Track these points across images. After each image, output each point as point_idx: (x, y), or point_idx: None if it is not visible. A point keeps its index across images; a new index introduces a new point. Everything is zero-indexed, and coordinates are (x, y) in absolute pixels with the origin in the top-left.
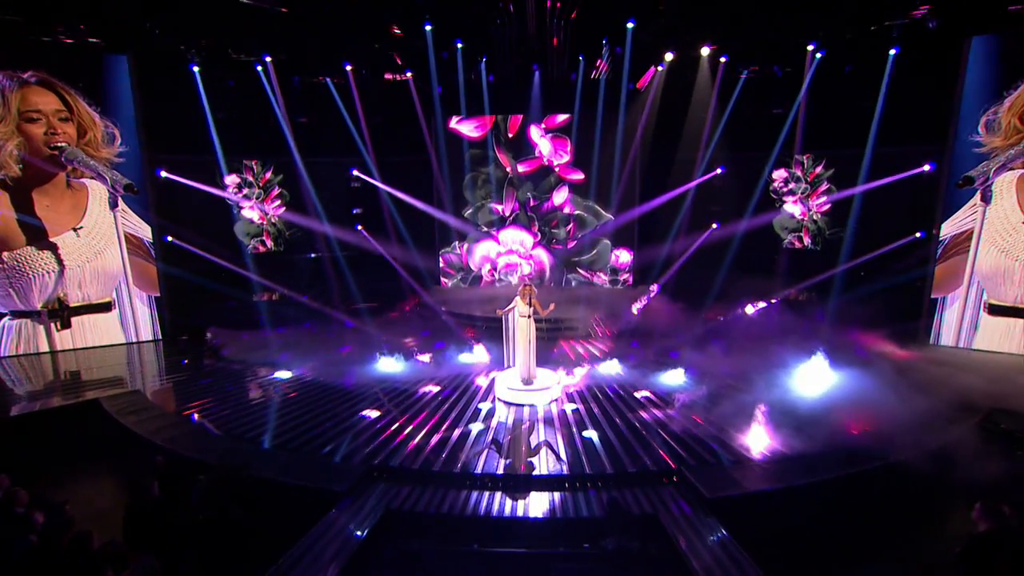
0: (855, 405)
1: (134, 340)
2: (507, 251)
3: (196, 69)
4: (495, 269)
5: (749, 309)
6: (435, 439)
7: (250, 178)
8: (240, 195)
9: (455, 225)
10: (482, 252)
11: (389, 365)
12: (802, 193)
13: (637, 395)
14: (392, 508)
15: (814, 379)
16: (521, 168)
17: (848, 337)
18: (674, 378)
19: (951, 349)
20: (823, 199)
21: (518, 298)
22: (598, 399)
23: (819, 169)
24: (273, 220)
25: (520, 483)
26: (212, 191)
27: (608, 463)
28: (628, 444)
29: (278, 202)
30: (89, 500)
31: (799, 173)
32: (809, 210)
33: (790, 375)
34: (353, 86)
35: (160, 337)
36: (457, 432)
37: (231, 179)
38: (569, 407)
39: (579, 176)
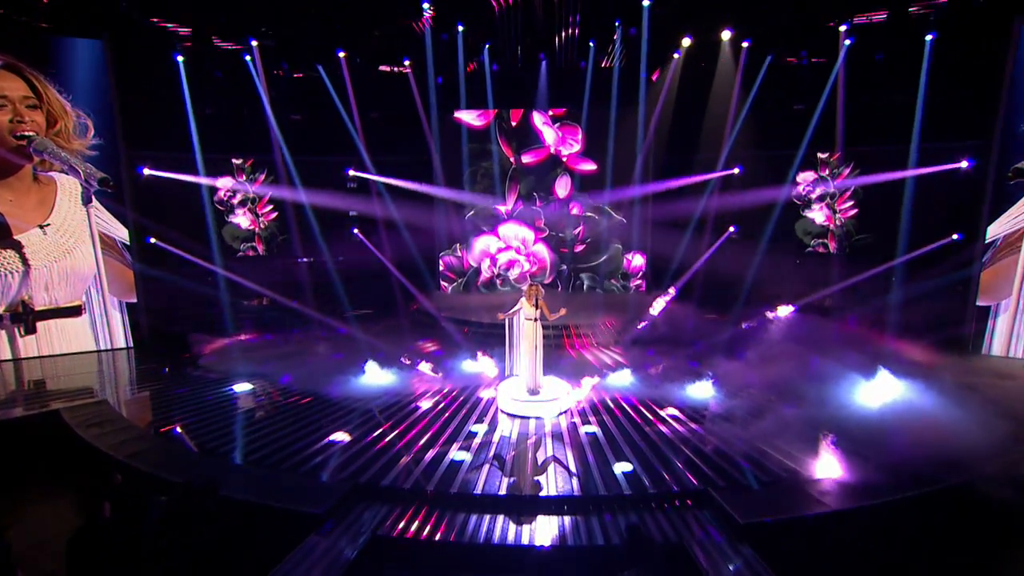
0: (911, 420)
1: (106, 347)
2: (507, 247)
3: (180, 59)
4: (495, 264)
5: (782, 311)
6: (430, 455)
7: (242, 180)
8: (235, 200)
9: (456, 226)
10: (481, 247)
11: (381, 375)
12: (830, 198)
13: (658, 408)
14: (379, 534)
15: (859, 391)
16: (526, 159)
17: (887, 345)
18: (700, 390)
19: (1003, 360)
20: (849, 203)
21: (523, 299)
22: (612, 412)
23: (847, 172)
24: (264, 224)
25: (525, 505)
26: (196, 180)
27: (626, 483)
28: (648, 462)
29: (271, 206)
30: (35, 524)
31: (826, 175)
32: (835, 215)
33: (831, 386)
34: (347, 76)
35: (134, 344)
36: (455, 448)
37: (224, 182)
38: (586, 428)
39: (591, 166)
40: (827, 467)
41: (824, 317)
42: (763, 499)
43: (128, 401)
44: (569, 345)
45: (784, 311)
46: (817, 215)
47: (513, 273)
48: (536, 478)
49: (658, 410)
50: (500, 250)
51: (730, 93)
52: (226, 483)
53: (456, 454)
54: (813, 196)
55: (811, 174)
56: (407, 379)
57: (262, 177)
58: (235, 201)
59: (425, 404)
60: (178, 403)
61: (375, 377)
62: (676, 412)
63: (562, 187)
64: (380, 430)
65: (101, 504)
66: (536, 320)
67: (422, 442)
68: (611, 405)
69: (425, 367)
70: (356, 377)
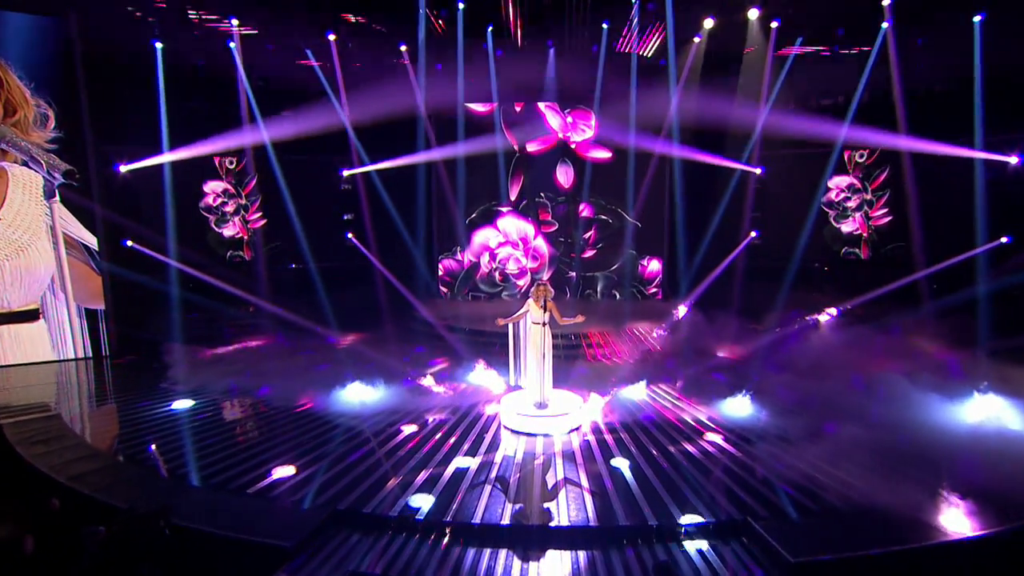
0: (1003, 442)
1: (68, 357)
2: (506, 241)
3: (159, 45)
4: (494, 260)
5: (823, 316)
6: (422, 477)
7: (230, 186)
8: (229, 208)
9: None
10: (481, 240)
11: (368, 391)
12: (867, 206)
13: (685, 425)
14: (359, 572)
15: (931, 408)
16: (531, 147)
17: (945, 356)
18: (736, 405)
19: None
20: (883, 210)
21: (531, 301)
22: (632, 431)
23: (883, 176)
24: (251, 231)
25: (533, 537)
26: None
27: (651, 511)
28: (675, 488)
29: (260, 213)
30: None
31: (858, 183)
32: (868, 221)
33: (894, 403)
34: (337, 65)
35: (105, 353)
36: (450, 469)
37: (213, 187)
38: (617, 461)
39: (605, 154)
40: (898, 497)
41: (863, 326)
42: (817, 533)
43: (88, 415)
44: (590, 356)
45: (826, 316)
46: (849, 226)
47: (511, 268)
48: (545, 505)
49: (693, 429)
50: (500, 244)
51: (758, 82)
52: (179, 510)
53: (451, 476)
54: (850, 206)
55: (844, 178)
56: (398, 394)
57: (253, 182)
58: (228, 209)
59: (417, 421)
60: (144, 419)
61: (362, 393)
62: (713, 431)
63: (563, 176)
64: (363, 450)
65: (23, 537)
66: (544, 325)
67: (412, 463)
68: (632, 422)
69: (426, 380)
70: (341, 390)
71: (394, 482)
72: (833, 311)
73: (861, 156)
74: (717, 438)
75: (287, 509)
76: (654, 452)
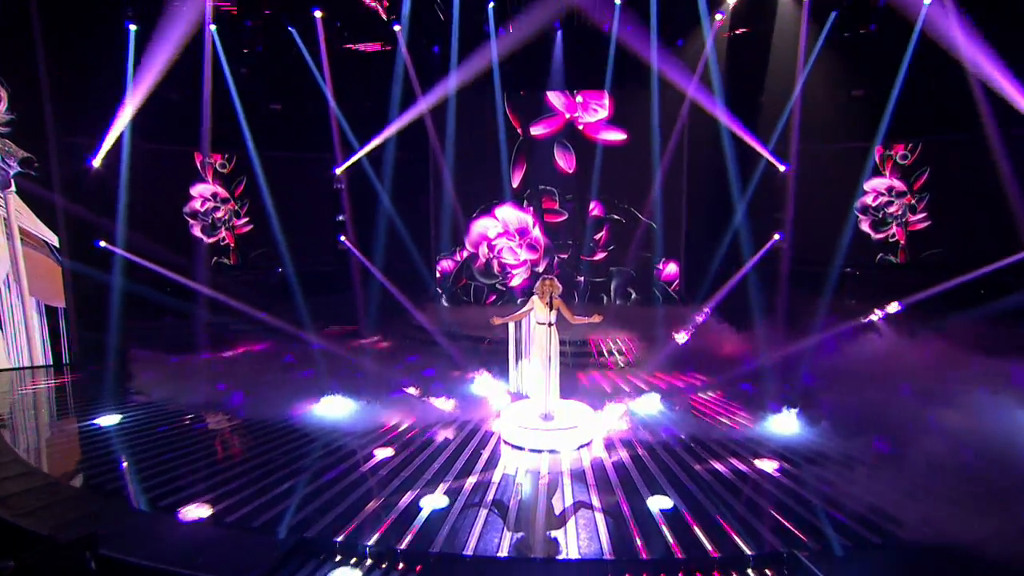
0: None
1: (24, 364)
2: (505, 231)
3: (132, 28)
4: (492, 251)
5: (879, 313)
6: (406, 499)
7: (220, 192)
8: (220, 215)
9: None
10: (479, 230)
11: (349, 403)
12: (910, 212)
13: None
14: None
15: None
16: (535, 130)
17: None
18: (780, 422)
19: None
20: (922, 215)
21: (535, 297)
22: (654, 451)
23: (924, 178)
24: (238, 236)
25: (536, 572)
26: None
27: (678, 543)
28: (704, 514)
29: (247, 218)
30: None
31: (902, 184)
32: (906, 228)
33: (972, 420)
34: (323, 50)
35: (65, 361)
36: (441, 490)
37: (200, 190)
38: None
39: (619, 135)
40: (984, 529)
41: (909, 332)
42: (879, 570)
43: (34, 429)
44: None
45: (876, 317)
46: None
47: (507, 259)
48: (551, 534)
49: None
50: (499, 235)
51: (791, 67)
52: (112, 538)
53: (440, 498)
54: (894, 213)
55: (883, 180)
56: (384, 406)
57: (242, 186)
58: (220, 216)
59: (404, 437)
60: (101, 433)
61: (343, 405)
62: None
63: (563, 160)
64: (340, 469)
65: None
66: (551, 325)
67: (396, 483)
68: (653, 437)
69: (415, 390)
70: (319, 401)
71: (374, 505)
72: (880, 313)
73: (905, 158)
74: (768, 465)
75: (243, 538)
76: (680, 473)
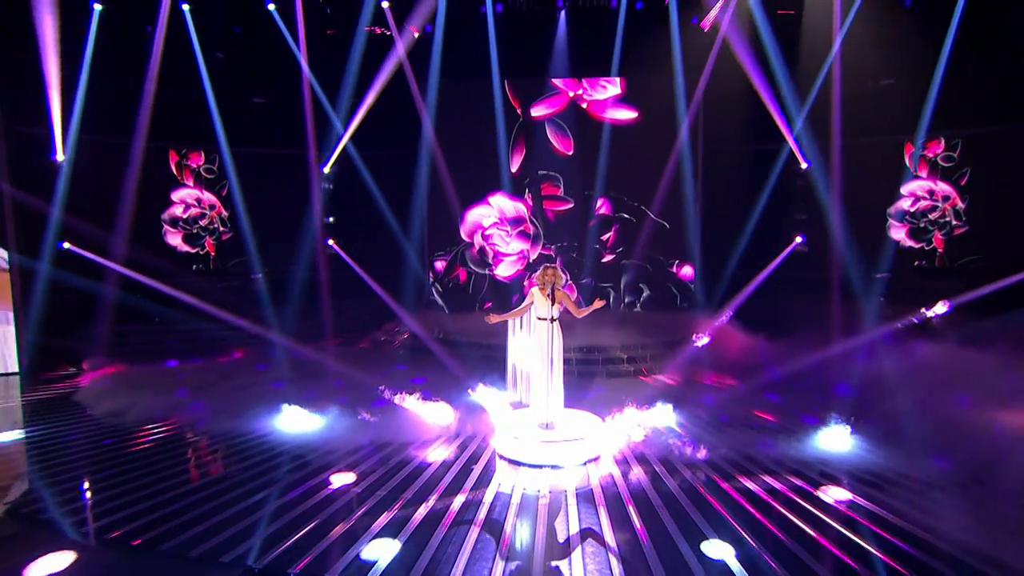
0: None
1: None
2: (500, 220)
3: (97, 7)
4: (486, 240)
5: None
6: (382, 520)
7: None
8: (205, 223)
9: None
10: (474, 218)
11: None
12: (955, 217)
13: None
14: None
15: None
16: (537, 111)
17: None
18: (829, 439)
19: None
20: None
21: (535, 290)
22: (675, 469)
23: (963, 181)
24: (219, 244)
25: None
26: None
27: (702, 572)
28: (742, 542)
29: (228, 226)
30: None
31: (950, 187)
32: (950, 231)
33: None
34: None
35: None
36: (422, 511)
37: (182, 195)
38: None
39: (630, 114)
40: None
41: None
42: None
43: None
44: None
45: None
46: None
47: (498, 245)
48: (552, 563)
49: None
50: (493, 224)
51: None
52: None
53: (423, 520)
54: (938, 219)
55: (921, 184)
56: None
57: (224, 191)
58: (205, 224)
59: (381, 451)
60: (44, 450)
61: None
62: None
63: (559, 141)
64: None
65: None
66: (553, 321)
67: (372, 502)
68: (673, 453)
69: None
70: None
71: (342, 529)
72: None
73: (947, 160)
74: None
75: (184, 567)
76: (707, 495)
